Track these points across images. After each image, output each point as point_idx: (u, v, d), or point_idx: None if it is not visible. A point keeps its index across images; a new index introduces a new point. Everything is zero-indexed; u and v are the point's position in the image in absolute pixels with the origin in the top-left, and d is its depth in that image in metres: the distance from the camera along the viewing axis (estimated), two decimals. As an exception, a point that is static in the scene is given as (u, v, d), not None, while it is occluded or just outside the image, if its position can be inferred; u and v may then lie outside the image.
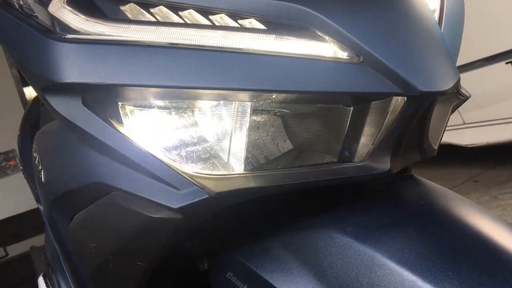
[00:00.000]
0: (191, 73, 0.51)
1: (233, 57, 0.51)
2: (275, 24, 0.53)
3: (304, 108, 0.61)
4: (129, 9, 0.58)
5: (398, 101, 0.53)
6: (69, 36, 0.56)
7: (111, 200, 0.61)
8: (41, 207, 1.62)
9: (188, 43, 0.53)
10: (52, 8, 0.59)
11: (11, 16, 0.63)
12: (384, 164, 0.56)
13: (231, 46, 0.52)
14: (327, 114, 0.60)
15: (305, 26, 0.52)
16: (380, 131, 0.55)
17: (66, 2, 0.59)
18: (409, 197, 0.62)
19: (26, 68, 0.59)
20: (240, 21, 0.54)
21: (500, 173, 2.97)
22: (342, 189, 0.63)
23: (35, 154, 0.83)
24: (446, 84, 0.50)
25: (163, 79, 0.51)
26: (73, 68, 0.53)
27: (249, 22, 0.54)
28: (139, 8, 0.57)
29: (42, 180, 0.75)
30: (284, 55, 0.51)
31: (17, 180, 4.12)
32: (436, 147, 0.62)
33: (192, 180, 0.55)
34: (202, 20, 0.55)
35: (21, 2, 0.65)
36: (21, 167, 1.65)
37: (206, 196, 0.54)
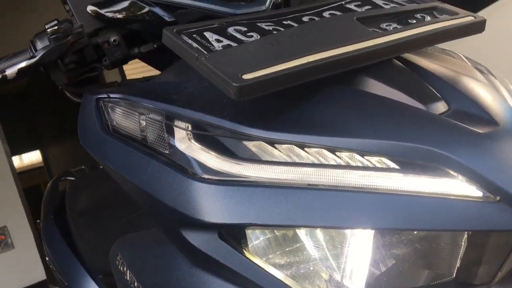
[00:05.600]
0: (341, 214, 0.55)
1: (374, 197, 0.55)
2: (405, 163, 0.57)
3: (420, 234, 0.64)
4: (255, 146, 0.62)
5: None
6: (209, 176, 0.59)
7: None
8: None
9: (327, 183, 0.57)
10: (182, 145, 0.63)
11: (136, 151, 0.67)
12: None
13: (369, 185, 0.56)
14: (442, 237, 0.63)
15: (435, 166, 0.56)
16: (509, 257, 0.59)
17: (194, 139, 0.63)
18: None
19: (161, 203, 0.61)
20: (368, 158, 0.58)
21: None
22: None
23: (120, 267, 0.84)
24: None
25: (315, 220, 0.55)
26: (220, 209, 0.57)
27: (380, 160, 0.58)
28: (268, 145, 0.61)
29: None
30: (419, 194, 0.55)
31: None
32: None
33: None
34: (334, 159, 0.59)
35: (141, 136, 0.68)
36: (47, 258, 1.62)
37: None
